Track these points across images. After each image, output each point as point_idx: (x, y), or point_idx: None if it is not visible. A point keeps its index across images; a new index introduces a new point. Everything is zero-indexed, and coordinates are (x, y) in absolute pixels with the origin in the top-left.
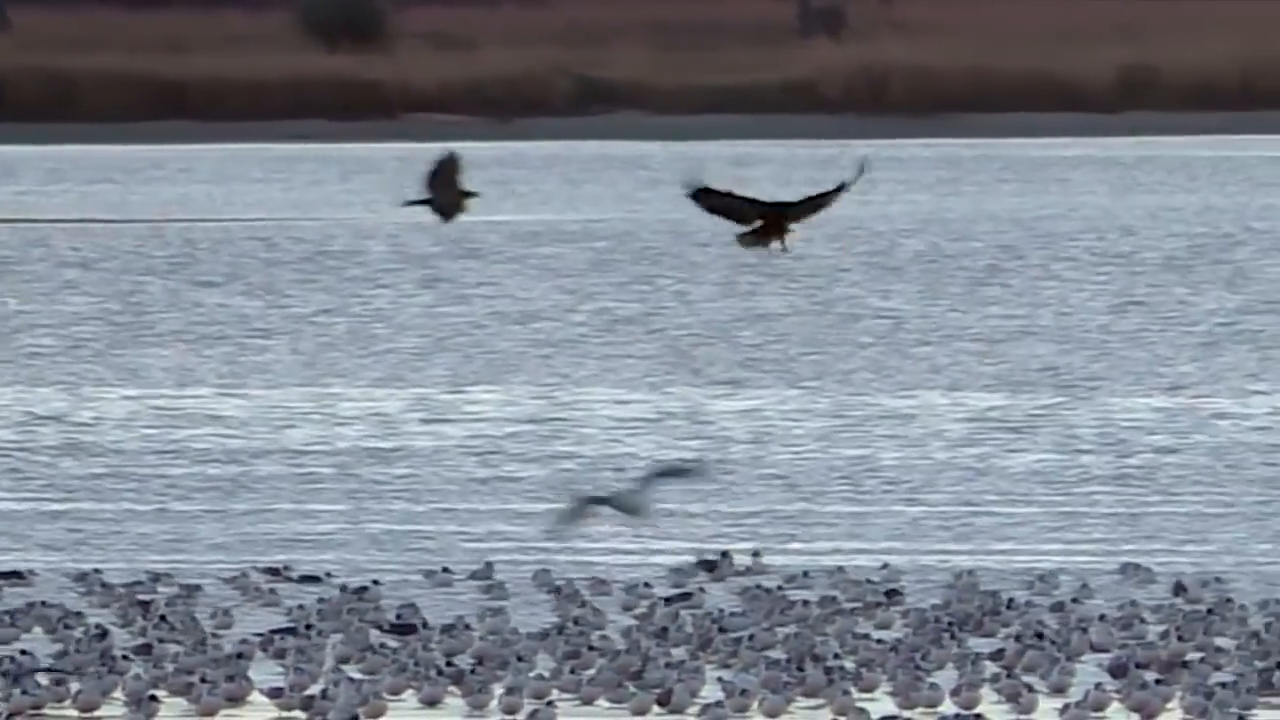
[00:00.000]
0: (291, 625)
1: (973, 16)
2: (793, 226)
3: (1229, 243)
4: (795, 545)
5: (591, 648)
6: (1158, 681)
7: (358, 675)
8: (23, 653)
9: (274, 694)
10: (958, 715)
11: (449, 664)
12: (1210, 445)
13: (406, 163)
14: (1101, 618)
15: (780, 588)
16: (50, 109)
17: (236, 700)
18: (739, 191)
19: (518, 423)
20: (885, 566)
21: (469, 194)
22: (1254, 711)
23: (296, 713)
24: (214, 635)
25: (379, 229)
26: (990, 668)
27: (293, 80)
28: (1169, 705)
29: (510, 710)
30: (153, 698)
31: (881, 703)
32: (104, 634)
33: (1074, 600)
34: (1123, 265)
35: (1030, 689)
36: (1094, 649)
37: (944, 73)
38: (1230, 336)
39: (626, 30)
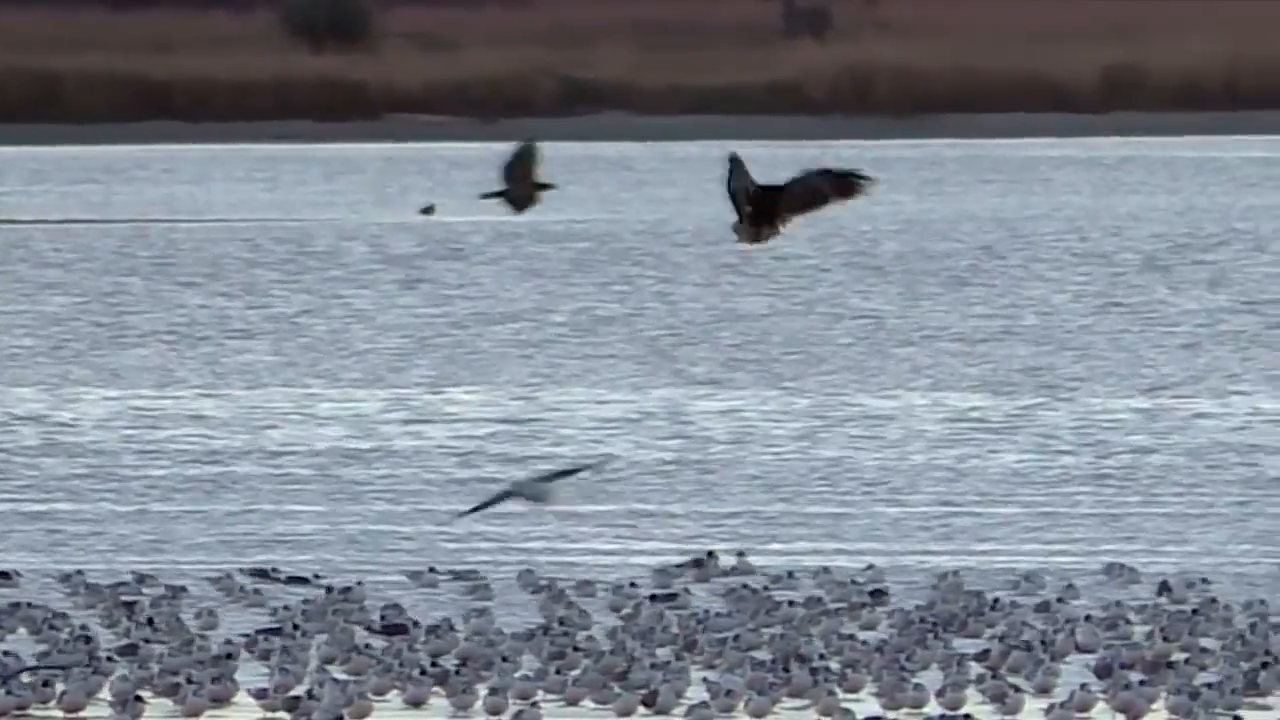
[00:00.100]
0: (277, 626)
1: (957, 17)
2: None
3: (1211, 243)
4: (776, 546)
5: (576, 648)
6: (1143, 682)
7: (343, 676)
8: (6, 654)
9: (259, 695)
10: (943, 716)
11: (434, 664)
12: (1190, 446)
13: (391, 163)
14: (1087, 618)
15: (766, 588)
16: (33, 109)
17: (222, 701)
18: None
19: (498, 423)
20: (870, 567)
21: (545, 185)
22: (1239, 712)
23: (281, 713)
24: (199, 636)
25: (361, 230)
26: (975, 668)
27: (277, 81)
28: (1154, 706)
29: (495, 711)
30: (138, 698)
31: (867, 703)
32: (88, 637)
33: (1059, 600)
34: (1104, 266)
35: (1015, 689)
36: (1079, 649)
37: (929, 73)
38: (1211, 337)
39: (610, 31)
